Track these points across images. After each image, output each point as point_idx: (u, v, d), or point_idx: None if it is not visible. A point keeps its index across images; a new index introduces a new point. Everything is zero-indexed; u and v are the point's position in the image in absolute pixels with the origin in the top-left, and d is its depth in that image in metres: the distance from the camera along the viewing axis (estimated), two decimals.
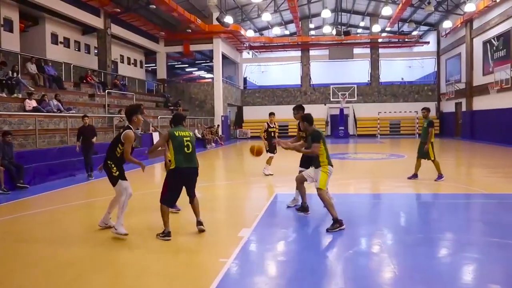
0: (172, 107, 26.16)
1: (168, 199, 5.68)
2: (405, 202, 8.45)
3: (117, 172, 5.72)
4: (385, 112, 31.61)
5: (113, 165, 5.73)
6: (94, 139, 11.64)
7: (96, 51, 23.56)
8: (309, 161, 6.66)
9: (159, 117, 22.15)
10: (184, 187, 5.77)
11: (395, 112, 33.37)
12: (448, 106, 32.18)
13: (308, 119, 6.48)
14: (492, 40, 23.81)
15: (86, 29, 22.93)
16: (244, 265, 4.72)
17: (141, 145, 17.68)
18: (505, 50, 22.29)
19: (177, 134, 5.67)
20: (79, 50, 23.32)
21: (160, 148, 6.23)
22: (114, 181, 5.76)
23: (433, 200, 8.61)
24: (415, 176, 10.31)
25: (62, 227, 6.61)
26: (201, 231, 5.76)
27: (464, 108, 28.35)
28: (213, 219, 7.16)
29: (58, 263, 4.78)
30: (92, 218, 6.70)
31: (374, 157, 17.33)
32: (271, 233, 5.92)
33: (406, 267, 4.53)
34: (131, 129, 5.84)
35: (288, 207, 7.43)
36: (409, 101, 34.62)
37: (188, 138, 5.70)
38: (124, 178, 5.79)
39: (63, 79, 18.67)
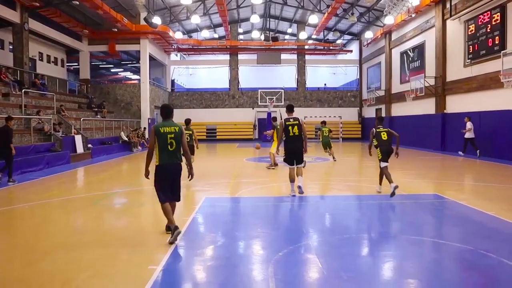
0: (96, 109, 25.03)
1: (161, 197, 5.60)
2: (330, 204, 8.76)
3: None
4: (311, 117, 32.62)
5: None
6: None
7: (11, 47, 21.88)
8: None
9: (82, 119, 21.11)
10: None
11: (320, 116, 34.47)
12: (369, 112, 34.02)
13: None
14: (408, 51, 25.56)
15: (0, 23, 21.21)
16: (174, 272, 4.62)
17: (62, 148, 16.75)
18: (419, 61, 24.05)
19: (162, 131, 5.54)
20: None
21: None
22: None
23: (356, 202, 9.00)
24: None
25: None
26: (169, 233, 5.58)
27: (383, 114, 30.11)
28: (140, 224, 6.95)
29: None
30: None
31: None
32: (201, 238, 5.86)
33: (334, 267, 4.68)
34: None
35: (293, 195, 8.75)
36: (333, 106, 36.16)
37: (173, 135, 5.57)
38: None
39: None
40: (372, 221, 7.10)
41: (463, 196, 9.00)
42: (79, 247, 5.45)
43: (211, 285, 4.30)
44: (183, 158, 5.85)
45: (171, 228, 5.47)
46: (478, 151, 16.79)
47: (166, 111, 5.80)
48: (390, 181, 8.31)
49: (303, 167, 8.97)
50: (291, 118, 8.78)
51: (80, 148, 18.46)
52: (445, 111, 20.97)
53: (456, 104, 20.04)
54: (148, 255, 5.09)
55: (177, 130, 5.61)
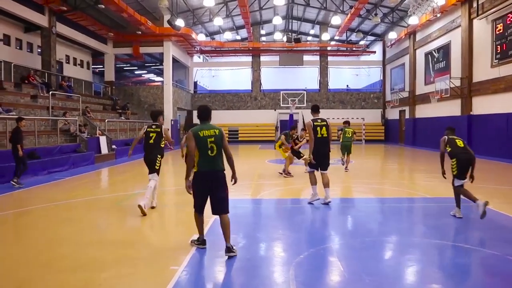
0: (120, 110, 25.45)
1: (196, 205, 5.29)
2: (352, 206, 8.67)
3: (159, 166, 7.73)
4: (333, 118, 32.20)
5: (160, 159, 7.82)
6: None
7: (39, 50, 22.44)
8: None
9: (106, 121, 21.48)
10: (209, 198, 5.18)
11: (342, 118, 34.17)
12: (393, 114, 33.54)
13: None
14: (433, 52, 25.11)
15: (29, 27, 21.68)
16: (195, 272, 4.66)
17: (87, 149, 17.07)
18: (444, 62, 23.60)
19: (201, 135, 5.04)
20: (20, 48, 22.06)
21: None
22: (154, 171, 7.63)
23: (378, 204, 8.90)
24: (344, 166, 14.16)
25: None
26: (230, 257, 5.03)
27: (407, 116, 29.66)
28: (162, 225, 7.03)
29: None
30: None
31: None
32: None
33: (355, 270, 4.63)
34: (160, 126, 8.12)
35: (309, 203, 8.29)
36: (356, 108, 35.80)
37: (213, 139, 5.05)
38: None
39: (3, 79, 17.70)
40: (395, 224, 6.99)
41: (489, 200, 8.76)
42: (102, 246, 5.55)
43: (232, 286, 4.32)
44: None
45: (199, 239, 5.42)
46: None
47: (205, 113, 5.28)
48: (474, 199, 6.79)
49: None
50: (319, 118, 8.19)
51: (104, 149, 18.80)
52: (471, 113, 20.50)
53: (483, 105, 19.57)
54: (170, 256, 5.15)
55: (217, 133, 5.11)
